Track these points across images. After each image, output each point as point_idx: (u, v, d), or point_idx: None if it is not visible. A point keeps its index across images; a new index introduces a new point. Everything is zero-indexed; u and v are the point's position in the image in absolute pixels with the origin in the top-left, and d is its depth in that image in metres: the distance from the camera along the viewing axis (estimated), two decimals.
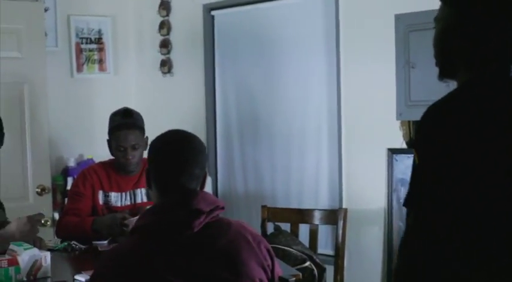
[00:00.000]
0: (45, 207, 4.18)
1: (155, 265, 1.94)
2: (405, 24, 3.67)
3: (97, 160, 4.04)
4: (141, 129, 3.46)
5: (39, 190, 4.36)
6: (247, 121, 4.69)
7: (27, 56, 4.32)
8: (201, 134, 4.82)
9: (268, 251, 2.13)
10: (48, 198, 4.41)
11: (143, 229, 2.02)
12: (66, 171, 4.77)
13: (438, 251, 1.58)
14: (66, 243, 3.24)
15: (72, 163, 4.80)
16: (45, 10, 4.63)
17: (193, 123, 4.81)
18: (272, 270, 2.13)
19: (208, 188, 4.72)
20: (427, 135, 1.62)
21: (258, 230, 3.77)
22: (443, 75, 1.76)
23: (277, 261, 2.21)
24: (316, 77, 4.25)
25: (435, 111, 1.63)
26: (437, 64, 1.76)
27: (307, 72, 4.29)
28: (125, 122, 3.41)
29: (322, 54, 4.21)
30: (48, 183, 4.43)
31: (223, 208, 2.08)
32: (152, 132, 2.37)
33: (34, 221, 2.94)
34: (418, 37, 3.59)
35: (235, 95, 4.76)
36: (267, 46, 4.51)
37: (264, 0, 4.43)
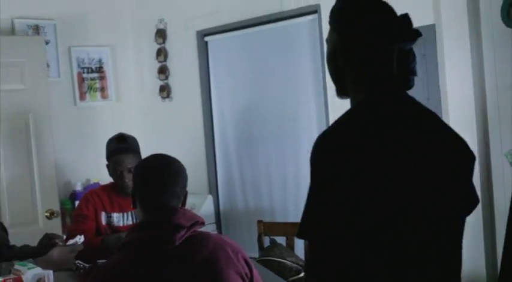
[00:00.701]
0: (54, 230, 4.31)
1: (140, 277, 2.10)
2: None
3: (103, 183, 4.12)
4: (136, 152, 3.60)
5: (48, 214, 4.50)
6: (244, 140, 4.84)
7: (31, 87, 4.48)
8: (201, 155, 5.01)
9: (245, 260, 2.28)
10: (57, 221, 4.54)
11: (129, 245, 2.19)
12: (74, 195, 4.91)
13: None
14: None
15: (79, 187, 4.95)
16: (46, 43, 4.82)
17: (192, 145, 5.01)
18: (251, 279, 2.28)
19: (209, 206, 4.91)
20: (324, 163, 1.58)
21: (255, 245, 3.92)
22: (339, 94, 1.81)
23: (256, 270, 2.34)
24: (305, 95, 4.41)
25: (329, 137, 1.62)
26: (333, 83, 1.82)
27: (297, 90, 4.46)
28: (120, 147, 3.58)
29: (310, 72, 4.37)
30: (56, 207, 4.57)
31: (203, 223, 2.25)
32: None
33: (75, 251, 3.15)
34: None
35: (231, 115, 4.92)
36: (258, 67, 4.68)
37: (253, 25, 4.62)
